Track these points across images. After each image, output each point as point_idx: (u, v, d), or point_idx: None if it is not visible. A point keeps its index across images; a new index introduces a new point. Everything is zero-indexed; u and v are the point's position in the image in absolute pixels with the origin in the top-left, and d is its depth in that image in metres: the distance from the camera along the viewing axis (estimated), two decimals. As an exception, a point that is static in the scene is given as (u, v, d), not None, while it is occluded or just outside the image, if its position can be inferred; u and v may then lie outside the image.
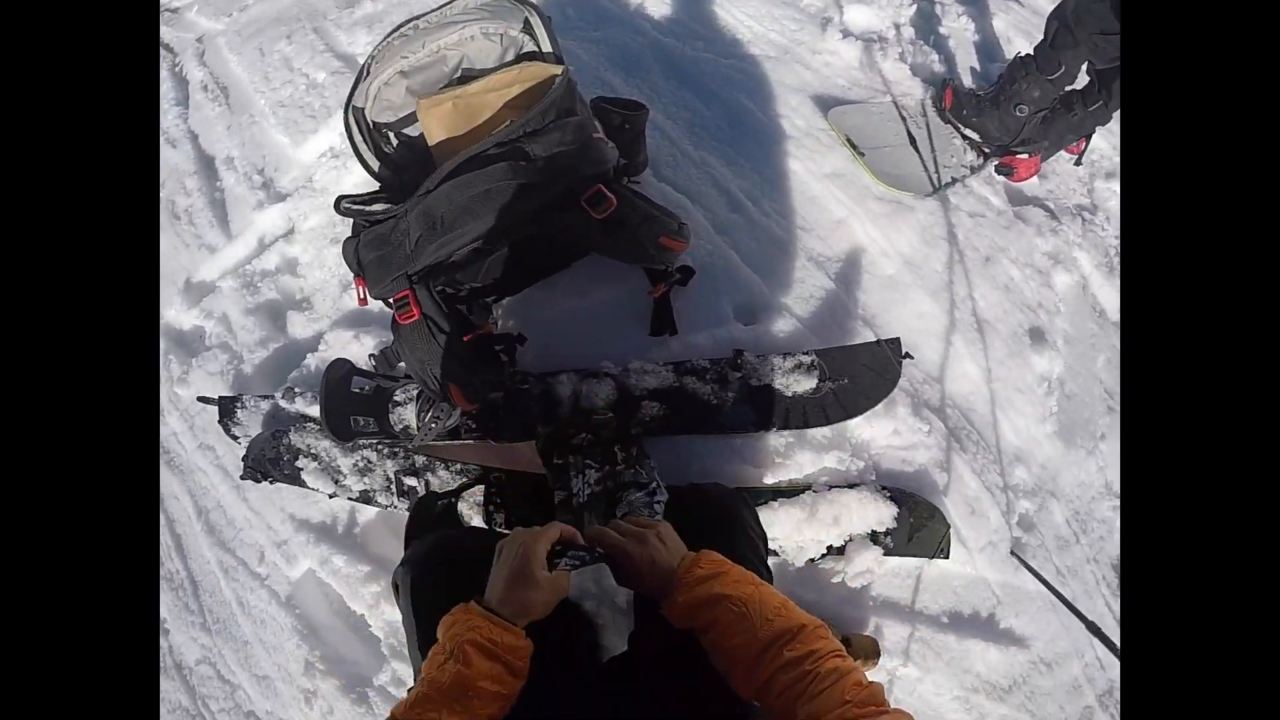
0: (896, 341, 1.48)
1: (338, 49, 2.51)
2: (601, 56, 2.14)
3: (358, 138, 1.41)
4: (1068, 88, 2.04)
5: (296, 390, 1.68)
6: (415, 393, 1.47)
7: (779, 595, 0.90)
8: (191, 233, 2.30)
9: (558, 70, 1.29)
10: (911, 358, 1.50)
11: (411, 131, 1.48)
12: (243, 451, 1.71)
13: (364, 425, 1.49)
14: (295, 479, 1.61)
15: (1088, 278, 2.15)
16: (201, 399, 1.81)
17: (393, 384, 1.52)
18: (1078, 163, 2.36)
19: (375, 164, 1.42)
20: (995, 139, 2.05)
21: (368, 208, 1.32)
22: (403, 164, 1.46)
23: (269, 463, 1.65)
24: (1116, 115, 2.09)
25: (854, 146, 1.81)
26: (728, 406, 1.42)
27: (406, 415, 1.48)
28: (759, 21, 2.25)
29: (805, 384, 1.41)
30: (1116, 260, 2.28)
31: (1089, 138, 2.30)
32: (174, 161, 2.56)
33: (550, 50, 1.37)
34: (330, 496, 1.60)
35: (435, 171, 1.22)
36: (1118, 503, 1.80)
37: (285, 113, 2.39)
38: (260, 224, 2.19)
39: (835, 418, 1.44)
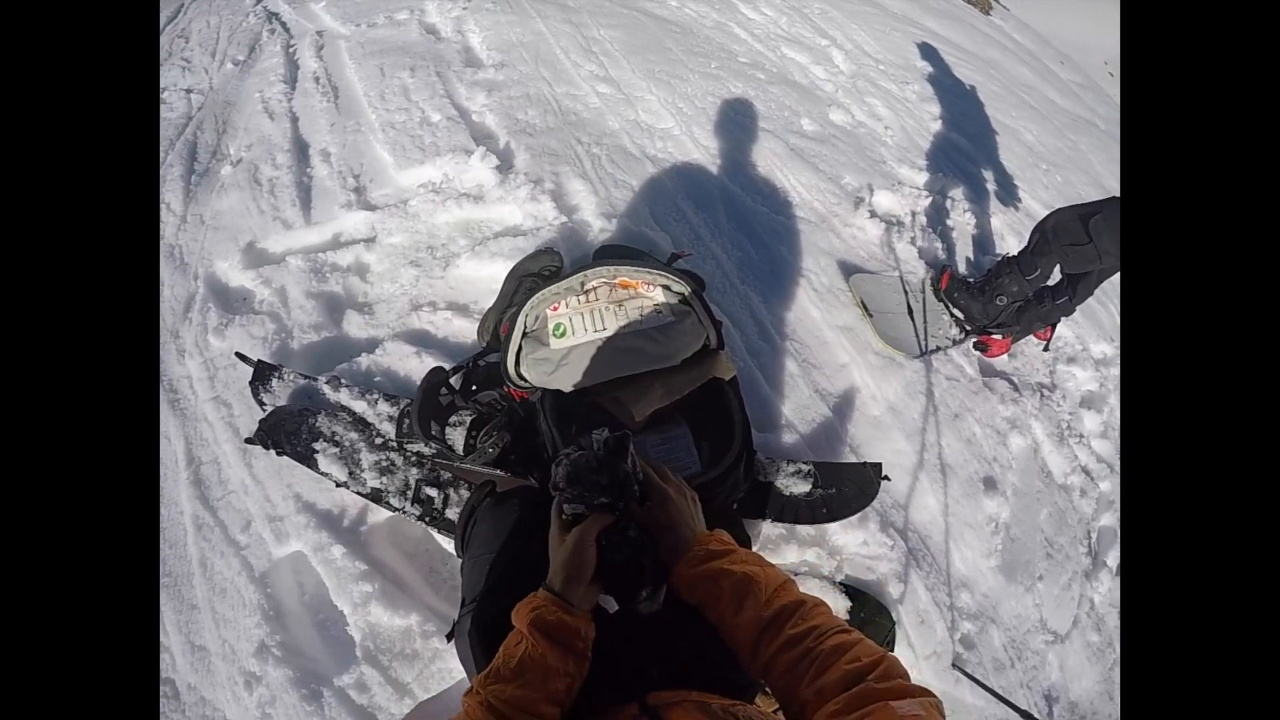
0: (879, 466, 1.72)
1: (456, 99, 2.60)
2: (681, 188, 2.41)
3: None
4: (1041, 285, 2.35)
5: (344, 381, 1.63)
6: (469, 419, 1.48)
7: (783, 575, 0.85)
8: (269, 202, 2.23)
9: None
10: (890, 480, 1.73)
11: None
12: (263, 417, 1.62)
13: (436, 431, 1.47)
14: (306, 458, 1.52)
15: (1040, 444, 2.41)
16: (241, 356, 1.70)
17: (463, 406, 1.51)
18: (1045, 348, 2.67)
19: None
20: (977, 320, 2.36)
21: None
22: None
23: (285, 434, 1.54)
24: (1080, 308, 2.37)
25: (865, 308, 2.12)
26: (737, 494, 1.56)
27: (454, 435, 1.46)
28: (808, 190, 2.61)
29: (801, 487, 1.64)
30: (1067, 432, 2.54)
31: (1055, 327, 2.61)
32: (267, 131, 2.51)
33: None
34: (338, 485, 1.50)
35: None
36: (1051, 638, 1.99)
37: (394, 135, 2.39)
38: (344, 223, 2.15)
39: (821, 520, 1.65)
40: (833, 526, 1.70)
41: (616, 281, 1.35)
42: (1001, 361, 2.55)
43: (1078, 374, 2.97)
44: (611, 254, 1.90)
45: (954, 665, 1.67)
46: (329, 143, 2.43)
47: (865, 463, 1.72)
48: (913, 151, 3.37)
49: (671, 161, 2.53)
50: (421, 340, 1.84)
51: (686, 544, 0.89)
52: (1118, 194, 2.11)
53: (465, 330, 1.87)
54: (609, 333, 1.30)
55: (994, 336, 2.39)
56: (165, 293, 2.00)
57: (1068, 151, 4.76)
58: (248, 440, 1.55)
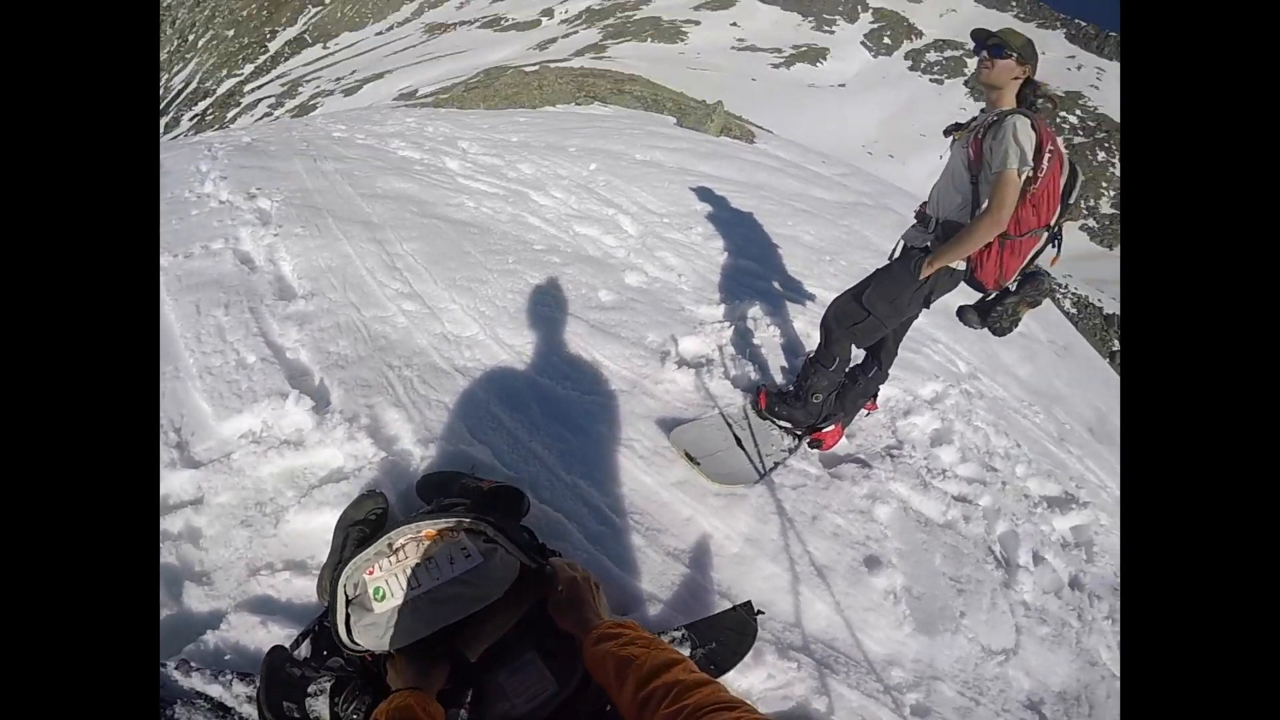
0: (748, 604, 1.76)
1: (269, 336, 2.55)
2: (492, 395, 2.46)
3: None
4: (848, 367, 2.59)
5: (194, 665, 1.52)
6: (328, 685, 1.42)
7: (671, 657, 0.93)
8: (90, 472, 2.13)
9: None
10: (764, 613, 1.77)
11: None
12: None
13: (295, 712, 1.40)
14: None
15: (906, 500, 2.56)
16: None
17: (315, 675, 1.45)
18: (865, 415, 2.92)
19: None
20: (803, 423, 2.56)
21: None
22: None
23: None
24: (896, 364, 2.64)
25: (691, 459, 2.24)
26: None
27: (318, 706, 1.40)
28: (615, 361, 2.79)
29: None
30: (928, 475, 2.72)
31: (875, 395, 2.87)
32: (84, 385, 2.45)
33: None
34: None
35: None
36: (1003, 657, 2.05)
37: (212, 381, 2.31)
38: (170, 484, 2.02)
39: (713, 677, 1.66)
40: (729, 676, 1.70)
41: (422, 535, 1.43)
42: (843, 446, 2.74)
43: (918, 421, 3.22)
44: (433, 482, 1.97)
45: None
46: (147, 391, 2.38)
47: (734, 606, 1.76)
48: (707, 289, 3.75)
49: (480, 369, 2.61)
50: (265, 607, 1.76)
51: (587, 624, 1.08)
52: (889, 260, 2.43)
53: (307, 589, 1.80)
54: (425, 588, 1.35)
55: (824, 430, 2.58)
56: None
57: (844, 238, 5.43)
58: None
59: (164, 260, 3.07)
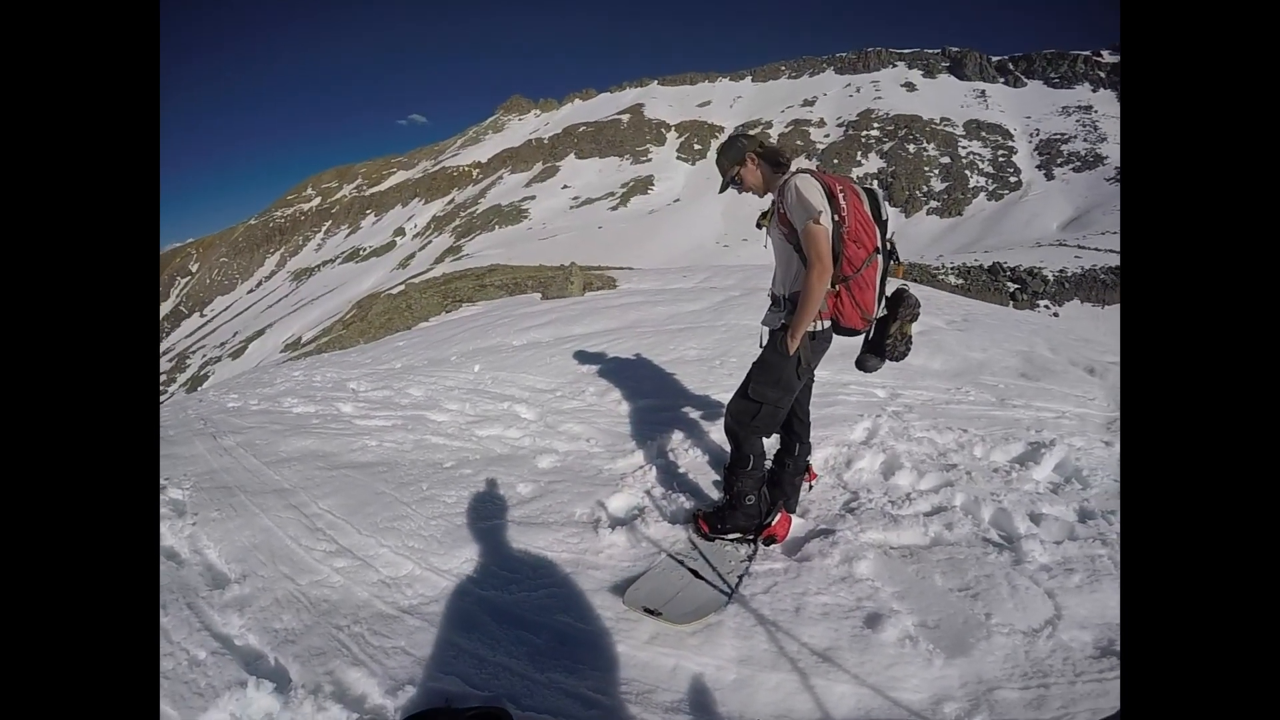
0: None
1: (214, 628, 2.58)
2: (444, 622, 2.47)
3: None
4: (763, 461, 2.73)
5: None
6: None
7: None
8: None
9: None
10: None
11: None
12: None
13: None
14: None
15: (882, 543, 2.66)
16: None
17: None
18: (809, 489, 3.05)
19: None
20: (749, 527, 2.67)
21: None
22: None
23: None
24: (815, 425, 2.79)
25: (651, 611, 2.28)
26: None
27: None
28: (550, 548, 2.85)
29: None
30: (896, 510, 2.84)
31: (808, 469, 3.02)
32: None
33: None
34: None
35: None
36: (1050, 628, 2.06)
37: (170, 685, 2.32)
38: None
39: None
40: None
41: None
42: (800, 526, 2.85)
43: (862, 465, 3.40)
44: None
45: None
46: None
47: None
48: (618, 442, 3.94)
49: (426, 602, 2.62)
50: None
51: None
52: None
53: None
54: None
55: (771, 523, 2.68)
56: None
57: (725, 337, 5.83)
58: None
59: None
